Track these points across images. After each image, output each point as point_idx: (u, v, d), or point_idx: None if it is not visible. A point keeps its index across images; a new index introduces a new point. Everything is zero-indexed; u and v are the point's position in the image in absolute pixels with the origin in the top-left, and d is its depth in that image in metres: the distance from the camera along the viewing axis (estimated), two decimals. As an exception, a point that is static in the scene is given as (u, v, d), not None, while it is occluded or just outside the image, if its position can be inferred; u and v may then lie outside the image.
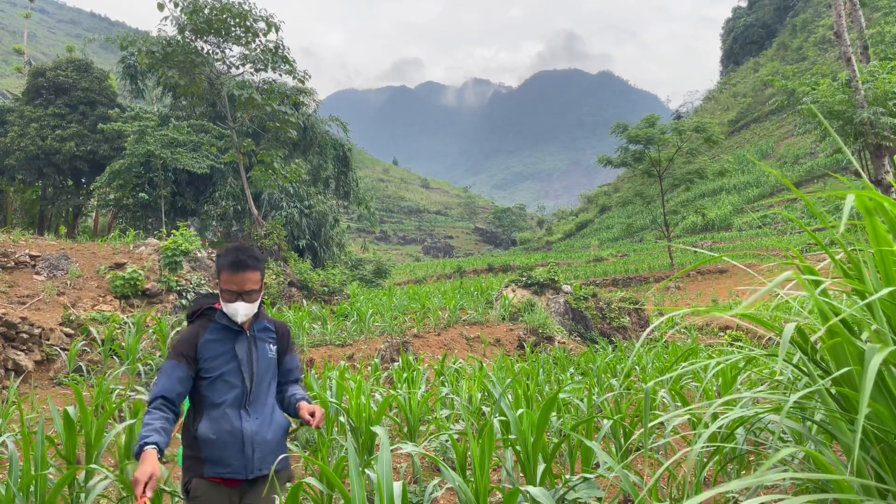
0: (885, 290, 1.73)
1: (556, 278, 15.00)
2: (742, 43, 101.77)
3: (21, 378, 7.41)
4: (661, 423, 4.35)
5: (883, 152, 16.42)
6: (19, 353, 8.13)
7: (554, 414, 4.61)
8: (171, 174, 23.03)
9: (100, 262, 12.54)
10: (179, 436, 2.68)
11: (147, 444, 2.26)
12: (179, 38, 18.87)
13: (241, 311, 2.57)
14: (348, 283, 21.42)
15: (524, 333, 12.00)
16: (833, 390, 1.99)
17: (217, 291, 2.66)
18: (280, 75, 20.64)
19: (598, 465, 3.78)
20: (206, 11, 18.17)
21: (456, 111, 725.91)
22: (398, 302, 16.97)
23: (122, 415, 5.94)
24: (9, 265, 11.39)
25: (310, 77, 20.72)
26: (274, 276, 16.04)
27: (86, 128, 25.64)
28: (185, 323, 10.03)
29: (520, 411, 3.56)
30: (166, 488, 3.21)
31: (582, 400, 5.26)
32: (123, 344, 8.57)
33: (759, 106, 73.56)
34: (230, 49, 19.75)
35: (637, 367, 7.94)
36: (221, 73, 20.01)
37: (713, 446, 2.89)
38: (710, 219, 45.21)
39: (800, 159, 52.77)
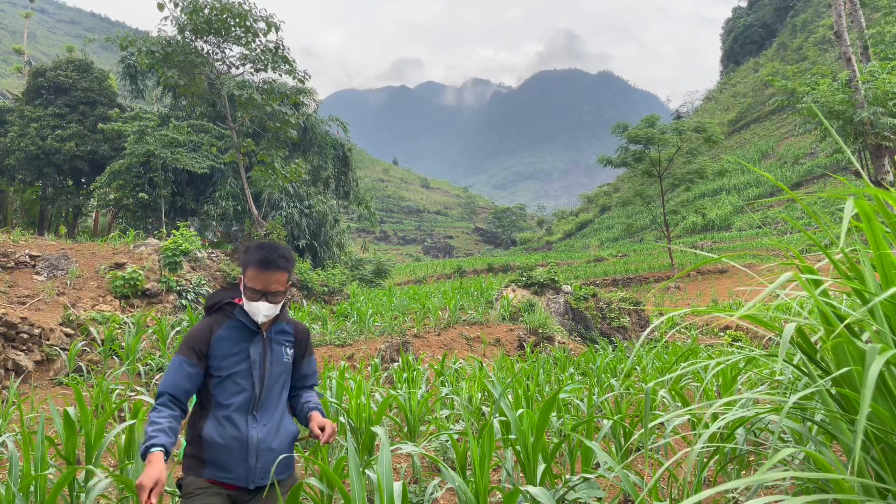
0: (890, 291, 1.73)
1: (556, 278, 15.00)
2: (742, 43, 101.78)
3: (21, 378, 7.41)
4: (662, 424, 4.35)
5: (883, 152, 16.42)
6: (19, 353, 8.13)
7: (554, 414, 4.62)
8: (171, 174, 23.05)
9: (100, 262, 12.54)
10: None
11: (154, 445, 2.19)
12: (179, 38, 18.87)
13: (263, 311, 2.45)
14: (348, 283, 21.41)
15: (524, 333, 12.00)
16: (833, 391, 1.99)
17: (240, 285, 2.52)
18: (280, 75, 20.64)
19: (598, 466, 3.78)
20: (206, 11, 18.16)
21: (456, 111, 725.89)
22: (398, 302, 16.97)
23: (122, 415, 5.94)
24: (9, 265, 11.39)
25: (310, 77, 20.73)
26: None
27: (86, 128, 25.64)
28: (184, 323, 10.06)
29: (520, 411, 3.56)
30: (167, 488, 3.20)
31: (582, 400, 5.26)
32: (123, 344, 8.57)
33: (759, 106, 73.58)
34: (230, 49, 19.76)
35: (637, 367, 7.94)
36: (221, 73, 20.01)
37: (713, 446, 2.90)
38: (710, 219, 45.22)
39: (800, 159, 52.79)
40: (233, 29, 18.80)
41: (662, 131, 30.52)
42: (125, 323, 9.50)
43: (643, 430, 2.61)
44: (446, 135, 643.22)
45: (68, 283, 11.33)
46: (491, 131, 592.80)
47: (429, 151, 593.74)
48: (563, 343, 12.00)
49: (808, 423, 2.28)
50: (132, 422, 4.09)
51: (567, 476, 3.50)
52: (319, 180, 27.97)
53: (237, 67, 20.25)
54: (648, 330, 2.20)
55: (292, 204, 24.75)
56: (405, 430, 5.17)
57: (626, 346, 11.44)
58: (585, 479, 3.09)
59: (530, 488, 2.73)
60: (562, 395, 5.17)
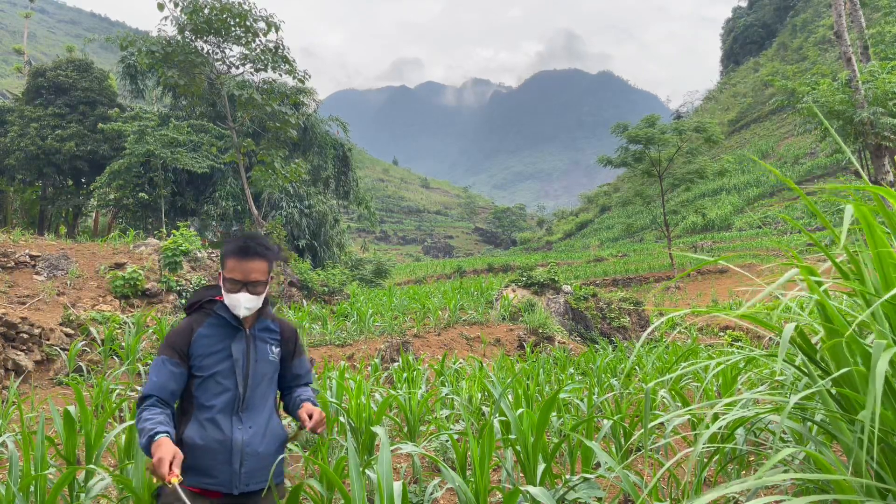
0: (892, 293, 1.73)
1: (556, 278, 15.00)
2: (742, 43, 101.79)
3: (21, 378, 7.41)
4: (662, 424, 4.35)
5: (883, 152, 16.42)
6: (19, 353, 8.14)
7: (554, 414, 4.61)
8: (171, 174, 23.07)
9: (100, 262, 12.55)
10: None
11: (158, 433, 2.09)
12: (179, 38, 18.88)
13: (244, 303, 2.33)
14: (348, 283, 21.42)
15: (524, 333, 12.00)
16: (833, 391, 1.99)
17: (219, 283, 2.42)
18: (280, 75, 20.65)
19: (598, 466, 3.78)
20: (206, 11, 18.17)
21: (456, 111, 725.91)
22: (398, 302, 16.97)
23: (122, 415, 5.93)
24: (9, 265, 11.39)
25: (310, 77, 20.75)
26: (273, 277, 16.06)
27: (86, 128, 25.65)
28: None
29: (520, 411, 3.56)
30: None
31: (582, 400, 5.26)
32: (123, 344, 8.57)
33: (759, 106, 73.58)
34: (230, 49, 19.76)
35: (637, 367, 7.94)
36: (221, 73, 20.01)
37: (714, 447, 2.90)
38: (710, 219, 45.22)
39: (800, 159, 52.79)
40: (233, 29, 18.80)
41: (662, 131, 30.53)
42: (125, 323, 9.50)
43: (643, 430, 2.61)
44: (446, 135, 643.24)
45: (68, 283, 11.33)
46: (491, 131, 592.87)
47: (429, 151, 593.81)
48: (563, 343, 12.00)
49: (809, 424, 2.28)
50: (132, 422, 4.08)
51: (567, 476, 3.50)
52: (319, 180, 27.99)
53: (237, 67, 20.26)
54: (649, 330, 2.20)
55: (292, 204, 24.77)
56: (405, 430, 5.17)
57: (626, 346, 11.44)
58: (585, 479, 3.09)
59: (530, 488, 2.73)
60: (562, 395, 5.17)
